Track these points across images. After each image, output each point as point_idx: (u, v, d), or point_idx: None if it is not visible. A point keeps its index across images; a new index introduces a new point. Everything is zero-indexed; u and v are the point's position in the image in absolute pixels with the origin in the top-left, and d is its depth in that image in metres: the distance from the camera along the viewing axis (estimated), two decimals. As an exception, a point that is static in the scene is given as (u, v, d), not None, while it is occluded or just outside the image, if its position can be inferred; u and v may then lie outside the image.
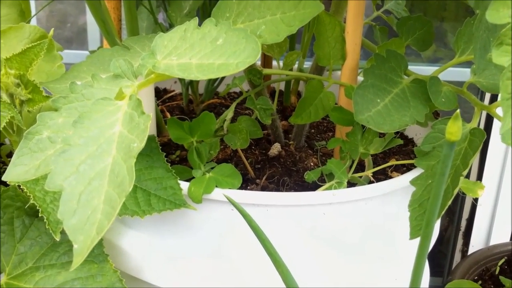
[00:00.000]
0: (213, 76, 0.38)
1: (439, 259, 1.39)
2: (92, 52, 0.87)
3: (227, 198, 0.47)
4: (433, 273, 1.36)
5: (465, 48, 0.62)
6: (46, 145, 0.44)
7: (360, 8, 0.63)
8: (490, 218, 1.24)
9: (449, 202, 0.54)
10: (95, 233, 0.34)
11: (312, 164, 0.71)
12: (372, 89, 0.56)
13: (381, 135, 0.62)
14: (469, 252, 1.26)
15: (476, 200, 1.21)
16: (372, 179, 0.64)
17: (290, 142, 0.77)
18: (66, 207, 0.36)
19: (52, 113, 0.45)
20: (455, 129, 0.38)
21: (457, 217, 1.32)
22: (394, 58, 0.60)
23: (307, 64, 0.85)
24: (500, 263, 1.08)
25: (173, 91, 0.93)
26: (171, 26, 0.80)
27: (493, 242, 1.24)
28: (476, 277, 1.08)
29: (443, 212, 0.55)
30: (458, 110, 0.38)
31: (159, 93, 0.94)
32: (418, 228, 0.55)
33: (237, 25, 0.49)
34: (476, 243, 1.27)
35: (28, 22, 0.79)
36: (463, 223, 1.32)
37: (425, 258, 0.46)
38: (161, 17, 0.94)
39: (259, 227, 0.47)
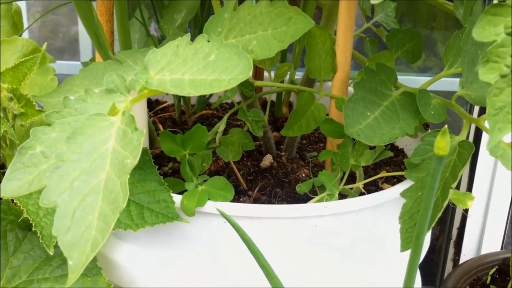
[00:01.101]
0: (205, 92, 0.39)
1: (431, 268, 1.39)
2: (84, 63, 0.87)
3: (219, 211, 0.47)
4: (425, 282, 1.37)
5: (453, 61, 0.63)
6: (40, 160, 0.45)
7: (350, 21, 0.64)
8: (481, 227, 1.25)
9: (439, 214, 0.55)
10: (89, 250, 0.34)
11: (303, 175, 0.72)
12: (362, 102, 0.57)
13: (372, 147, 0.63)
14: (461, 261, 1.27)
15: (466, 211, 1.22)
16: (363, 190, 0.65)
17: (282, 153, 0.77)
18: (60, 223, 0.36)
19: (45, 128, 0.46)
20: (443, 144, 0.39)
21: (448, 226, 1.33)
22: (384, 71, 0.60)
23: (299, 75, 0.86)
24: (491, 272, 1.09)
25: (165, 102, 0.94)
26: (163, 38, 0.80)
27: (484, 251, 1.25)
28: (467, 287, 1.08)
29: (433, 224, 0.55)
30: (445, 126, 0.38)
31: (151, 104, 0.94)
32: (409, 240, 0.56)
33: (229, 40, 0.49)
34: (467, 252, 1.28)
35: (21, 34, 0.80)
36: (454, 232, 1.33)
37: (416, 270, 0.47)
38: (153, 28, 0.94)
39: (251, 240, 0.48)
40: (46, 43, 0.62)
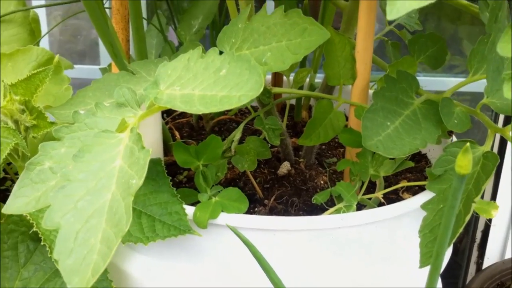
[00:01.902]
0: (215, 110, 0.37)
1: (454, 270, 1.37)
2: (102, 69, 0.86)
3: (229, 227, 0.46)
4: (447, 285, 1.34)
5: (478, 67, 0.60)
6: (48, 176, 0.44)
7: (370, 27, 0.62)
8: (505, 230, 1.22)
9: (461, 229, 0.53)
10: (90, 275, 0.33)
11: (322, 182, 0.70)
12: (382, 112, 0.55)
13: (392, 156, 0.61)
14: (484, 265, 1.24)
15: (489, 220, 1.19)
16: (382, 200, 0.63)
17: (300, 160, 0.76)
18: (62, 247, 0.35)
19: (54, 143, 0.45)
20: (465, 162, 0.37)
21: (472, 229, 1.30)
22: (405, 79, 0.58)
23: (319, 78, 0.84)
24: (516, 278, 1.06)
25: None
26: (180, 44, 0.79)
27: (508, 254, 1.22)
28: (491, 292, 1.06)
29: (454, 239, 0.53)
30: (468, 144, 0.36)
31: (169, 109, 0.93)
32: (429, 255, 0.54)
33: (243, 51, 0.48)
34: (491, 256, 1.25)
35: (39, 41, 0.79)
36: (478, 235, 1.30)
37: (436, 289, 0.45)
38: (172, 34, 0.93)
39: (262, 256, 0.46)
40: (57, 55, 0.62)
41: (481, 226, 1.29)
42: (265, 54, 0.46)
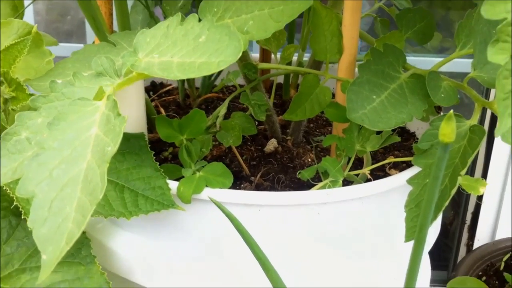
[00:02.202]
0: (193, 76, 0.36)
1: (445, 252, 1.37)
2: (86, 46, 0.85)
3: (212, 200, 0.45)
4: (438, 267, 1.35)
5: (466, 42, 0.59)
6: (25, 146, 0.43)
7: (357, 1, 0.61)
8: (495, 212, 1.22)
9: (447, 203, 0.52)
10: (64, 243, 0.33)
11: (309, 160, 0.69)
12: (368, 85, 0.54)
13: (379, 131, 0.60)
14: (475, 246, 1.25)
15: (480, 198, 1.19)
16: (369, 177, 0.62)
17: (288, 138, 0.75)
18: (37, 215, 0.34)
19: (31, 113, 0.44)
20: (448, 130, 0.36)
21: (462, 210, 1.30)
22: (392, 53, 0.57)
23: (307, 56, 0.83)
24: (505, 258, 1.06)
25: (170, 85, 0.92)
26: (166, 19, 0.78)
27: (498, 236, 1.22)
28: (480, 273, 1.06)
29: (440, 213, 0.53)
30: (451, 111, 0.36)
31: (156, 86, 0.92)
32: (414, 230, 0.53)
33: (225, 20, 0.47)
34: (481, 237, 1.26)
35: (21, 16, 0.77)
36: (469, 217, 1.30)
37: (419, 264, 0.44)
38: (159, 10, 0.92)
39: (246, 230, 0.46)
40: (36, 25, 0.60)
41: (471, 208, 1.29)
42: (247, 22, 0.45)
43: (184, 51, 0.39)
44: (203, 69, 0.36)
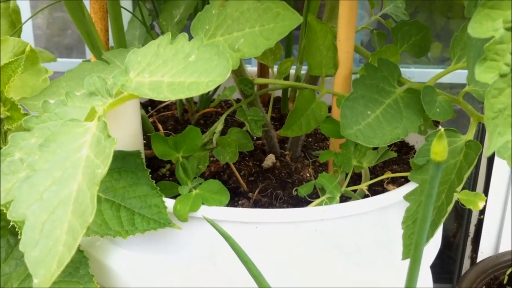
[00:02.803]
0: (183, 96, 0.36)
1: (449, 265, 1.36)
2: (84, 62, 0.85)
3: (206, 219, 0.45)
4: (442, 280, 1.33)
5: (461, 55, 0.59)
6: (18, 167, 0.43)
7: (352, 14, 0.61)
8: (499, 225, 1.21)
9: (443, 220, 0.52)
10: (55, 267, 0.32)
11: (308, 175, 0.69)
12: (362, 100, 0.54)
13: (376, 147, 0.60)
14: (479, 259, 1.24)
15: (481, 212, 1.18)
16: (367, 192, 0.62)
17: (286, 152, 0.75)
18: (28, 238, 0.34)
19: (24, 134, 0.44)
20: (440, 148, 0.36)
21: (465, 223, 1.30)
22: (387, 67, 0.57)
23: (306, 69, 0.83)
24: (508, 272, 1.05)
25: (168, 100, 0.92)
26: (163, 34, 0.78)
27: (502, 248, 1.21)
28: (484, 286, 1.05)
29: (437, 230, 0.52)
30: (442, 130, 0.35)
31: (154, 102, 0.92)
32: (411, 247, 0.53)
33: (217, 38, 0.47)
34: (485, 250, 1.25)
35: (19, 32, 0.78)
36: (472, 229, 1.29)
37: (416, 280, 0.44)
38: (156, 27, 0.92)
39: (241, 248, 0.45)
40: (29, 43, 0.60)
41: (474, 220, 1.28)
42: (239, 40, 0.45)
43: (174, 71, 0.39)
44: (193, 89, 0.36)
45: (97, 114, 0.40)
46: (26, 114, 0.53)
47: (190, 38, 0.42)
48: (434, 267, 0.76)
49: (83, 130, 0.38)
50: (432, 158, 0.36)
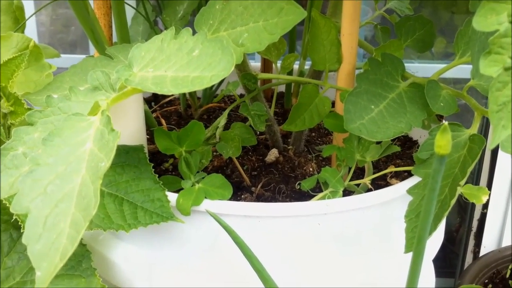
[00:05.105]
0: (186, 90, 0.36)
1: (452, 259, 1.36)
2: (88, 57, 0.85)
3: (209, 213, 0.45)
4: (445, 274, 1.33)
5: (465, 49, 0.59)
6: (21, 161, 0.43)
7: (356, 9, 0.60)
8: (502, 219, 1.21)
9: (446, 214, 0.52)
10: (58, 260, 0.33)
11: (311, 169, 0.69)
12: (366, 95, 0.54)
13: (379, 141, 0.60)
14: (481, 253, 1.24)
15: (484, 206, 1.18)
16: (370, 186, 0.62)
17: (289, 147, 0.75)
18: (31, 232, 0.34)
19: (28, 128, 0.44)
20: (444, 142, 0.36)
21: (468, 217, 1.29)
22: (390, 62, 0.57)
23: (309, 64, 0.83)
24: (511, 266, 1.05)
25: (172, 95, 0.92)
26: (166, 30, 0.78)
27: (505, 243, 1.21)
28: (486, 280, 1.05)
29: (439, 224, 0.52)
30: (446, 123, 0.35)
31: (157, 97, 0.92)
32: (414, 240, 0.53)
33: (220, 33, 0.47)
34: (488, 244, 1.25)
35: (23, 28, 0.78)
36: (475, 224, 1.29)
37: (418, 274, 0.44)
38: (159, 22, 0.92)
39: (244, 242, 0.46)
40: (33, 39, 0.61)
41: (477, 215, 1.28)
42: (242, 35, 0.45)
43: (178, 65, 0.39)
44: (196, 84, 0.37)
45: (100, 109, 0.40)
46: (29, 109, 0.54)
47: (194, 33, 0.43)
48: (437, 261, 0.76)
49: (87, 124, 0.39)
50: (436, 151, 0.36)
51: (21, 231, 0.58)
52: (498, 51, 0.33)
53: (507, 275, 1.04)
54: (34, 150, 0.43)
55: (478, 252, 1.26)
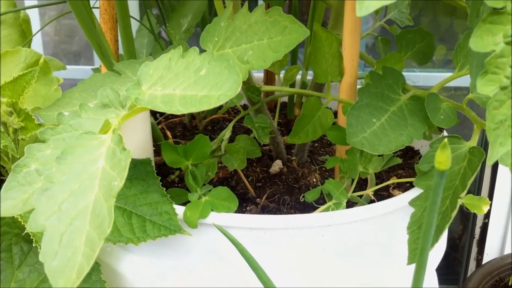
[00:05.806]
0: (194, 110, 0.38)
1: (454, 266, 1.37)
2: (94, 70, 0.87)
3: (216, 226, 0.46)
4: (448, 281, 1.34)
5: (464, 62, 0.60)
6: (34, 178, 0.44)
7: (356, 23, 0.62)
8: (504, 226, 1.22)
9: (448, 225, 0.53)
10: (75, 277, 0.34)
11: (315, 180, 0.70)
12: (368, 108, 0.55)
13: (381, 152, 0.61)
14: (484, 260, 1.24)
15: (486, 215, 1.19)
16: (372, 197, 0.63)
17: (293, 158, 0.76)
18: (47, 249, 0.35)
19: (40, 145, 0.45)
20: (443, 158, 0.37)
21: (471, 224, 1.30)
22: (391, 75, 0.58)
23: (312, 74, 0.85)
24: (513, 273, 1.06)
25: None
26: (171, 43, 0.79)
27: (508, 250, 1.22)
28: (489, 288, 1.06)
29: (441, 235, 0.53)
30: (445, 140, 0.37)
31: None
32: (417, 252, 0.54)
33: (225, 50, 0.48)
34: (490, 251, 1.25)
35: (29, 42, 0.79)
36: (477, 231, 1.30)
37: (421, 286, 0.45)
38: (163, 32, 0.94)
39: (250, 255, 0.47)
40: (43, 56, 0.62)
41: (479, 222, 1.29)
42: (247, 52, 0.47)
43: (186, 84, 0.40)
44: (204, 103, 0.38)
45: (111, 127, 0.41)
46: (39, 124, 0.55)
47: (199, 47, 0.44)
48: (440, 269, 0.77)
49: (98, 143, 0.40)
50: (436, 167, 0.37)
51: (33, 244, 0.59)
52: (495, 71, 0.34)
53: (510, 283, 1.05)
54: (46, 167, 0.44)
55: (481, 259, 1.27)
